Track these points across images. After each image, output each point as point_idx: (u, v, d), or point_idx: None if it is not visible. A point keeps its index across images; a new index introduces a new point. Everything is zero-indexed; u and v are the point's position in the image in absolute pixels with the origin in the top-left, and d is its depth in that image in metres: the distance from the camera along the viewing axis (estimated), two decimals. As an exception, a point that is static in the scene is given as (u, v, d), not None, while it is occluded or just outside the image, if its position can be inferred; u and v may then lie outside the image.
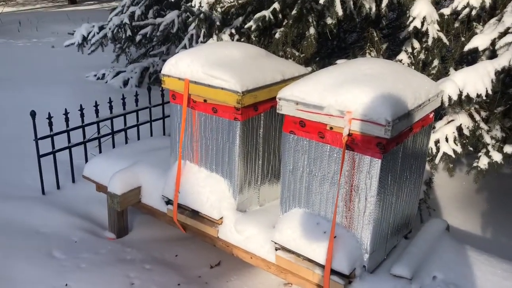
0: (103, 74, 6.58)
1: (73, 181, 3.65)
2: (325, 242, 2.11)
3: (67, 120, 3.47)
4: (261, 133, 2.51)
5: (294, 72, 2.60)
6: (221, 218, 2.49)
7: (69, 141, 3.55)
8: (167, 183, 2.65)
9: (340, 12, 2.46)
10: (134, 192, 2.82)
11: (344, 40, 4.21)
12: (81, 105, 3.56)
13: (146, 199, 2.85)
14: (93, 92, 5.72)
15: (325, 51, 4.29)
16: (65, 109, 3.50)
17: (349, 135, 1.98)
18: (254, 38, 3.90)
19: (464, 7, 2.70)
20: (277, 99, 2.15)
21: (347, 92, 1.96)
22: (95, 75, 6.62)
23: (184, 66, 2.42)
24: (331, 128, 2.05)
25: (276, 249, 2.30)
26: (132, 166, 2.88)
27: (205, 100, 2.43)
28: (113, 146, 3.80)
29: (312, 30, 2.84)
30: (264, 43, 3.84)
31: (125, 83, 6.25)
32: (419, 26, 2.76)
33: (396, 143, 2.02)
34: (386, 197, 2.09)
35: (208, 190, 2.50)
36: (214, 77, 2.31)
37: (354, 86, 1.98)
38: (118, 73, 6.49)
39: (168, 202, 2.69)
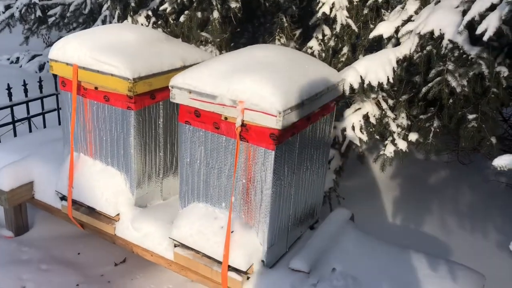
0: (17, 58, 6.12)
1: (-34, 175, 3.32)
2: (223, 237, 2.02)
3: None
4: (160, 123, 2.36)
5: (197, 58, 2.46)
6: (118, 214, 2.34)
7: (-40, 132, 3.22)
8: (60, 177, 2.45)
9: (238, -5, 2.35)
10: (25, 187, 2.60)
11: (265, 26, 4.11)
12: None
13: (39, 194, 2.64)
14: (3, 78, 5.29)
15: (246, 37, 4.18)
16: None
17: (243, 125, 1.89)
18: (171, 21, 3.71)
19: (372, -6, 2.66)
20: (169, 87, 2.01)
21: (239, 81, 1.86)
22: (8, 59, 6.15)
23: (72, 50, 2.22)
24: (225, 118, 1.94)
25: (175, 246, 2.19)
26: (23, 160, 2.65)
27: (96, 88, 2.24)
28: (15, 135, 3.49)
29: (216, 14, 2.71)
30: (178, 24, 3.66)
31: (41, 67, 5.85)
32: (328, 12, 2.70)
33: (292, 133, 1.94)
34: (284, 188, 2.02)
35: (103, 184, 2.33)
36: (103, 62, 2.13)
37: (246, 75, 1.87)
38: (33, 57, 6.06)
39: (63, 198, 2.49)
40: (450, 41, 2.18)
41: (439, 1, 2.36)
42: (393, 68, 2.35)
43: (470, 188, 3.37)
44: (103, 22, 4.37)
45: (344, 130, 2.60)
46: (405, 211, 3.19)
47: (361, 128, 2.61)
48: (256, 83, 1.83)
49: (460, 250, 2.86)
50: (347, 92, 2.30)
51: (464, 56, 2.15)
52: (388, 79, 2.34)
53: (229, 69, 1.94)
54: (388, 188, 3.35)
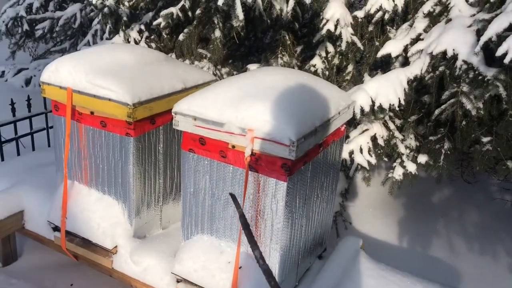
0: (3, 72, 5.92)
1: (-49, 201, 3.13)
2: (230, 274, 1.89)
3: None
4: (160, 149, 2.23)
5: (198, 80, 2.34)
6: (116, 247, 2.19)
7: None
8: (52, 207, 2.30)
9: (241, 16, 2.22)
10: (14, 217, 2.44)
11: (262, 40, 4.00)
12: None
13: (30, 225, 2.47)
14: (-12, 93, 5.09)
15: (243, 51, 4.07)
16: None
17: (253, 155, 1.76)
18: (165, 36, 3.59)
19: (377, 10, 2.57)
20: (172, 114, 1.88)
21: (248, 108, 1.74)
22: (-7, 73, 5.95)
23: (66, 73, 2.08)
24: (233, 146, 1.82)
25: (177, 281, 2.05)
26: (12, 188, 2.49)
27: (92, 113, 2.11)
28: (2, 159, 3.32)
29: (217, 33, 2.59)
30: (177, 42, 3.55)
31: (28, 82, 5.66)
32: (332, 29, 2.60)
33: (304, 162, 1.82)
34: (295, 221, 1.90)
35: (99, 215, 2.18)
36: (100, 87, 1.99)
37: (256, 101, 1.75)
38: (19, 71, 5.87)
39: (56, 228, 2.34)
40: (465, 61, 2.09)
41: (450, 20, 2.28)
42: (404, 89, 2.25)
43: (476, 207, 3.28)
44: (94, 36, 4.23)
45: (352, 152, 2.49)
46: (411, 233, 3.08)
47: (369, 151, 2.51)
48: (266, 110, 1.71)
49: (470, 275, 2.76)
50: (358, 115, 2.20)
51: (480, 77, 2.06)
52: (399, 100, 2.24)
53: (236, 95, 1.82)
54: (393, 209, 3.24)
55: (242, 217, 1.69)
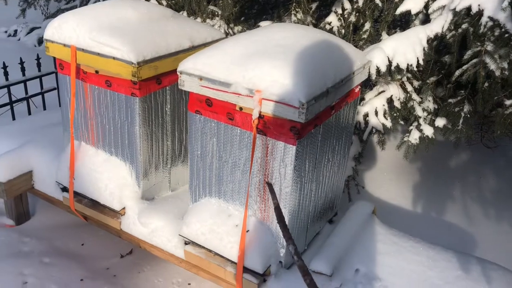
0: (15, 31, 5.88)
1: (-36, 160, 3.15)
2: (237, 237, 1.86)
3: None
4: (168, 110, 2.17)
5: (207, 37, 2.25)
6: (123, 208, 2.17)
7: (-45, 114, 3.04)
8: (60, 167, 2.28)
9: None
10: (23, 177, 2.43)
11: (276, -4, 3.84)
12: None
13: (39, 185, 2.47)
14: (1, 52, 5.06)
15: (257, 9, 3.92)
16: None
17: (261, 117, 1.69)
18: (177, -8, 3.47)
19: (398, -37, 2.41)
20: (178, 73, 1.80)
21: (256, 67, 1.65)
22: (6, 32, 5.91)
23: (69, 30, 2.00)
24: (240, 108, 1.74)
25: (185, 243, 2.03)
26: (21, 148, 2.47)
27: (96, 71, 2.04)
28: (13, 118, 3.31)
29: (227, -13, 2.48)
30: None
31: (40, 41, 5.61)
32: (349, -16, 2.46)
33: (314, 125, 1.75)
34: (304, 185, 1.84)
35: (106, 176, 2.15)
36: (104, 44, 1.91)
37: (264, 60, 1.66)
38: (32, 30, 5.82)
39: (64, 189, 2.33)
40: (490, 18, 1.95)
41: (477, -27, 2.11)
42: (424, 48, 2.13)
43: (494, 173, 3.18)
44: (104, -7, 4.11)
45: (366, 115, 2.39)
46: (426, 198, 3.01)
47: (384, 113, 2.41)
48: (275, 70, 1.62)
49: (486, 241, 2.71)
50: (374, 76, 2.09)
51: (506, 35, 1.92)
52: (418, 60, 2.12)
53: (244, 53, 1.73)
54: (408, 173, 3.16)
55: (277, 209, 1.65)
